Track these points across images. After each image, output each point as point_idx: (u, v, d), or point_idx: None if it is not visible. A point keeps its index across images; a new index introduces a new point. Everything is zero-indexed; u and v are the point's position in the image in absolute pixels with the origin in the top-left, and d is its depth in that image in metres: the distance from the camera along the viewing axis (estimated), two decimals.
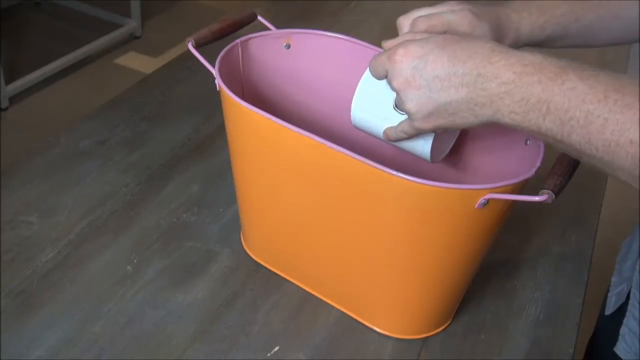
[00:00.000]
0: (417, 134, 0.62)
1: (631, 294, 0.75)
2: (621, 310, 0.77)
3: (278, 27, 0.81)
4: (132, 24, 2.87)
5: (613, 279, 0.82)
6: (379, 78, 0.62)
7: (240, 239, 0.86)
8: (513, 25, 0.68)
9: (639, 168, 0.46)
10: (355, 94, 0.67)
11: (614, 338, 0.76)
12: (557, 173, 0.60)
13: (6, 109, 2.39)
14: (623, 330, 0.75)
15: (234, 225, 0.88)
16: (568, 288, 0.86)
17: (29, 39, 2.81)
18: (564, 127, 0.50)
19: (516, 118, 0.53)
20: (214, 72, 0.71)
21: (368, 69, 0.64)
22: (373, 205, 0.66)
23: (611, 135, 0.47)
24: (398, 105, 0.61)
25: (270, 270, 0.83)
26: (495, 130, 0.72)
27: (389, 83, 0.60)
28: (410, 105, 0.58)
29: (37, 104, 2.45)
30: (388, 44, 0.63)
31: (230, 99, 0.68)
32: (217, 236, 0.87)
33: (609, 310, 0.81)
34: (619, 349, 0.75)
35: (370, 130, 0.68)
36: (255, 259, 0.84)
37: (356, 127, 0.70)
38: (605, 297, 0.84)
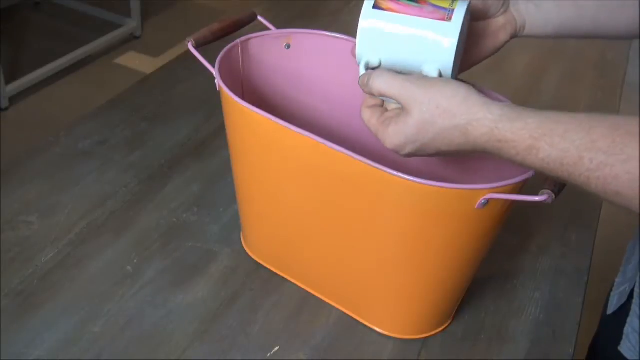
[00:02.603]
0: None
1: (635, 293, 0.75)
2: (625, 310, 0.77)
3: (278, 27, 0.81)
4: (132, 24, 2.86)
5: (617, 280, 0.83)
6: None
7: (240, 239, 0.86)
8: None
9: (633, 208, 0.50)
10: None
11: (617, 337, 0.76)
12: None
13: (6, 109, 2.39)
14: (627, 329, 0.75)
15: (234, 225, 0.88)
16: (568, 288, 0.86)
17: (29, 39, 2.81)
18: (557, 177, 0.54)
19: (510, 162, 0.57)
20: (214, 72, 0.71)
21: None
22: (373, 205, 0.66)
23: (596, 188, 0.50)
24: None
25: (270, 270, 0.83)
26: None
27: None
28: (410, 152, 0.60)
29: (37, 104, 2.45)
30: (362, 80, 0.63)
31: (230, 99, 0.68)
32: (217, 236, 0.87)
33: (611, 310, 0.81)
34: (623, 348, 0.75)
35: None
36: (255, 259, 0.84)
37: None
38: (608, 296, 0.84)
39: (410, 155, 0.60)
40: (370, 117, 0.62)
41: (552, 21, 0.71)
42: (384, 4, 0.61)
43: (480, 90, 0.59)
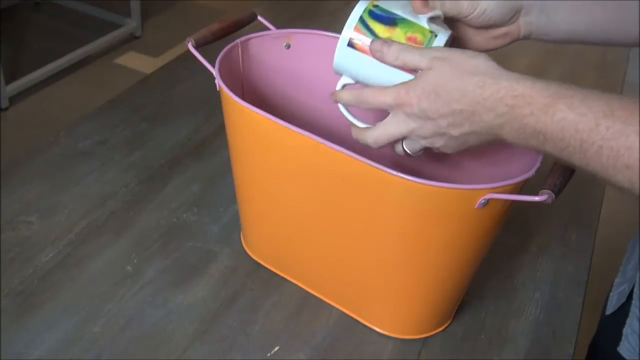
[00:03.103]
0: None
1: (634, 294, 0.75)
2: (624, 311, 0.77)
3: (278, 27, 0.81)
4: (132, 24, 2.87)
5: (616, 280, 0.83)
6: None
7: (240, 239, 0.86)
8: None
9: (637, 187, 0.49)
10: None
11: (616, 338, 0.76)
12: (557, 173, 0.60)
13: (6, 109, 2.39)
14: (626, 330, 0.75)
15: (234, 225, 0.88)
16: (568, 288, 0.86)
17: (29, 39, 2.81)
18: (562, 152, 0.52)
19: (518, 142, 0.55)
20: (214, 72, 0.71)
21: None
22: (373, 205, 0.66)
23: (607, 161, 0.49)
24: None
25: (270, 270, 0.83)
26: None
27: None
28: (426, 137, 0.60)
29: (37, 104, 2.45)
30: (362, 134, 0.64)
31: (230, 99, 0.68)
32: (217, 236, 0.87)
33: (609, 310, 0.81)
34: (622, 348, 0.75)
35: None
36: (255, 259, 0.84)
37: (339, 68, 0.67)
38: (608, 296, 0.84)
39: (421, 111, 0.57)
40: (380, 90, 0.61)
41: (561, 32, 0.70)
42: (357, 44, 0.63)
43: None
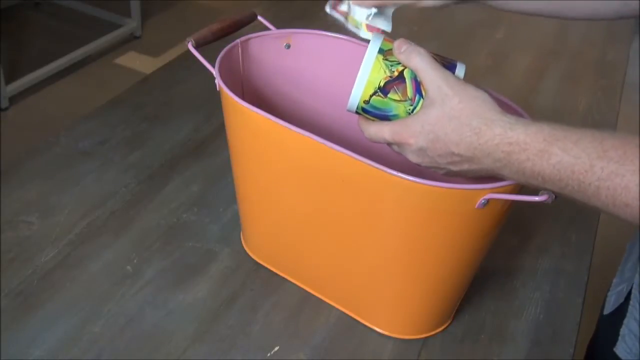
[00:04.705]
0: None
1: (632, 295, 0.75)
2: (622, 311, 0.77)
3: (278, 27, 0.81)
4: (132, 24, 2.87)
5: (614, 280, 0.83)
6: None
7: (240, 239, 0.86)
8: None
9: (639, 221, 0.50)
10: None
11: (614, 338, 0.76)
12: None
13: (6, 109, 2.39)
14: (623, 330, 0.75)
15: (234, 225, 0.88)
16: (568, 288, 0.86)
17: (29, 39, 2.81)
18: (563, 190, 0.54)
19: (519, 181, 0.57)
20: (214, 72, 0.71)
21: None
22: (373, 205, 0.66)
23: (606, 199, 0.51)
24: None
25: (270, 270, 0.83)
26: None
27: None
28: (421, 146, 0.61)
29: (37, 104, 2.45)
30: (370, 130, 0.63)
31: (230, 99, 0.68)
32: (217, 236, 0.87)
33: (607, 310, 0.81)
34: (619, 349, 0.75)
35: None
36: (255, 259, 0.84)
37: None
38: (606, 297, 0.84)
39: (419, 150, 0.59)
40: (380, 124, 0.62)
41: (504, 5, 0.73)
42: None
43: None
